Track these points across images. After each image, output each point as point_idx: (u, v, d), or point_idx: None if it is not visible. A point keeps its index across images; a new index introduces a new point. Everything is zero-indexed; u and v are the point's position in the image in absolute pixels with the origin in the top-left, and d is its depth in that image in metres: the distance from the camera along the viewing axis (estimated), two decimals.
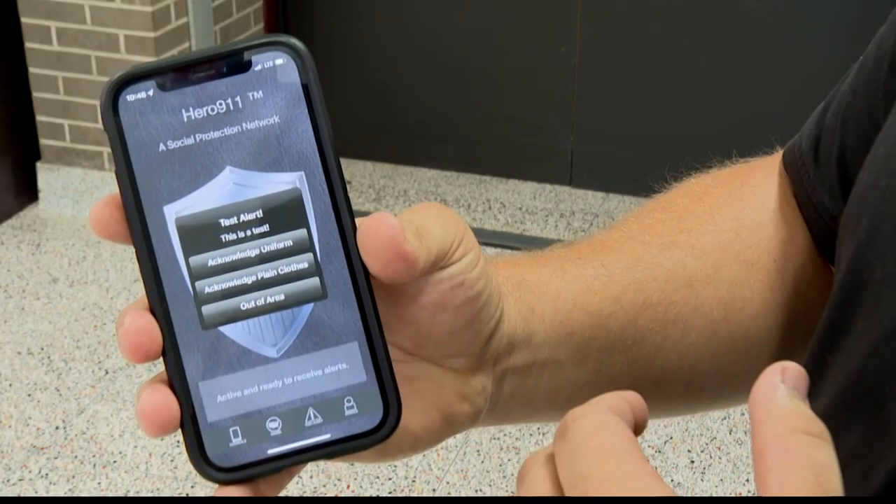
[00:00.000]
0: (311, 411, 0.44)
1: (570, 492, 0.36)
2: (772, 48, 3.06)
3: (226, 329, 0.43)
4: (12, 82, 3.08)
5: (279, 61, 0.43)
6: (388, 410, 0.44)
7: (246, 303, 0.43)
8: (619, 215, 3.24)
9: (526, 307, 0.54)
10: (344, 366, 0.44)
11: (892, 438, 0.45)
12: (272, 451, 0.43)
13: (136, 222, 0.43)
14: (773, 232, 0.62)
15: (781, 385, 0.35)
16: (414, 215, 0.46)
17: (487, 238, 3.02)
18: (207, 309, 0.43)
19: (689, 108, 3.17)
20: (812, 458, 0.33)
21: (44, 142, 3.13)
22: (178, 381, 0.43)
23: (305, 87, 0.43)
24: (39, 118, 3.10)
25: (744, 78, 3.10)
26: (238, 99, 0.43)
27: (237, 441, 0.43)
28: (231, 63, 0.43)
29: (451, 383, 0.51)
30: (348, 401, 0.44)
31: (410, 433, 0.49)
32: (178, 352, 0.43)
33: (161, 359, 0.43)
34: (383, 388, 0.44)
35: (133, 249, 0.43)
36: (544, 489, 0.38)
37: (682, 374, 0.61)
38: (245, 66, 0.43)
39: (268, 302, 0.43)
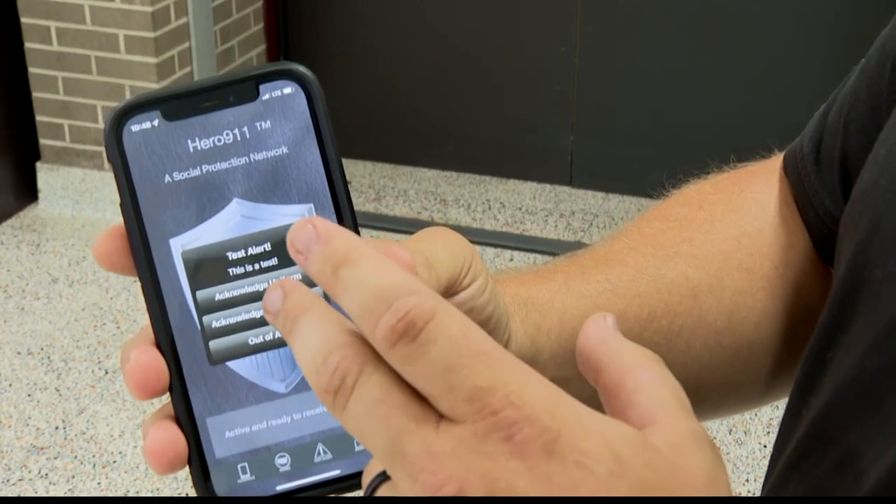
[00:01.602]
0: (320, 447, 0.42)
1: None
2: (771, 48, 3.06)
3: (234, 364, 0.42)
4: (12, 82, 3.08)
5: (287, 90, 0.42)
6: None
7: (254, 337, 0.42)
8: (619, 215, 3.25)
9: (532, 325, 0.54)
10: None
11: (891, 436, 0.45)
12: (281, 488, 0.42)
13: (142, 255, 0.42)
14: (773, 238, 0.62)
15: (612, 327, 0.37)
16: (422, 244, 0.46)
17: (487, 238, 3.01)
18: (215, 344, 0.42)
19: (689, 108, 3.17)
20: (668, 374, 0.37)
21: (43, 142, 3.13)
22: (184, 418, 0.42)
23: (314, 117, 0.42)
24: (39, 118, 3.10)
25: (743, 78, 3.11)
26: (245, 129, 0.42)
27: (245, 477, 0.42)
28: (238, 92, 0.42)
29: None
30: None
31: None
32: (185, 387, 0.42)
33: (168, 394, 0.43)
34: None
35: (139, 282, 0.42)
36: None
37: (686, 385, 0.61)
38: (252, 96, 0.42)
39: (276, 336, 0.42)
